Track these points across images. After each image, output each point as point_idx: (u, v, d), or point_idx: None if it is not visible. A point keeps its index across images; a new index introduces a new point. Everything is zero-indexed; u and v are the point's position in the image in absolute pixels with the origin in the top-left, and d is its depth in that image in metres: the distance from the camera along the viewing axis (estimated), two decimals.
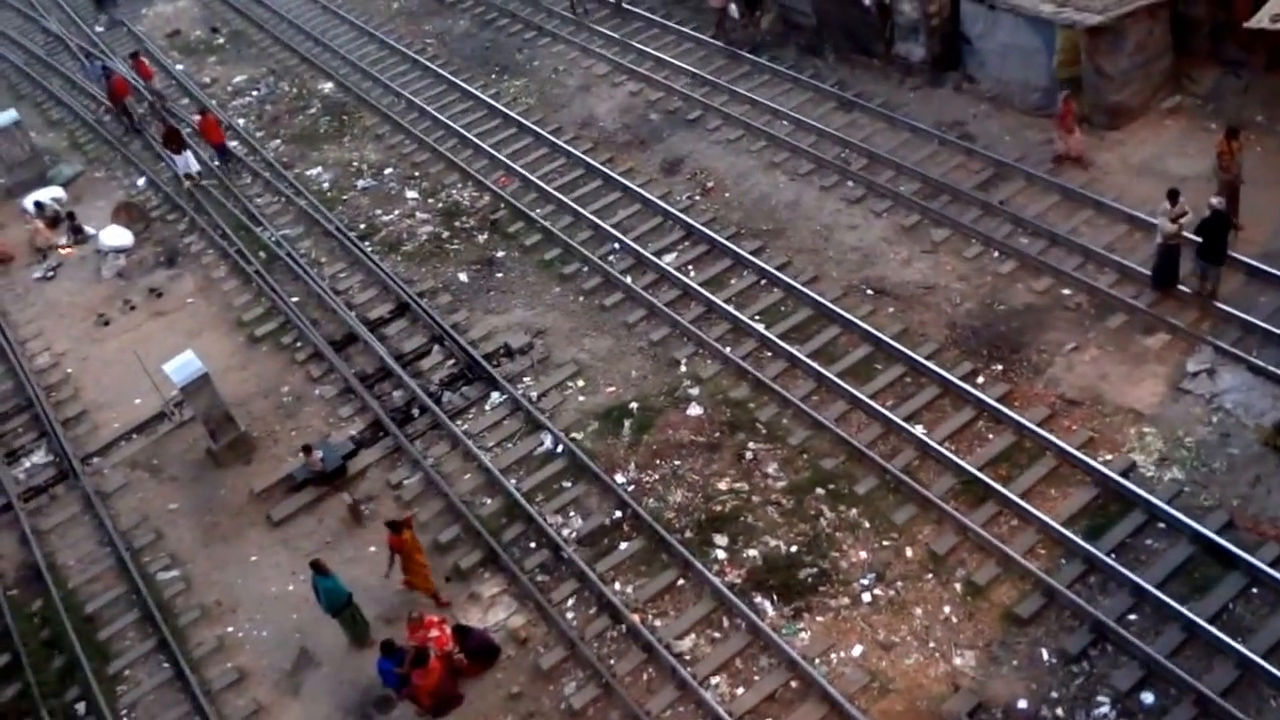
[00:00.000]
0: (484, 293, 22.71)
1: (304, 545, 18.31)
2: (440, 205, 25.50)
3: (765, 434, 18.17)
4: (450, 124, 27.76)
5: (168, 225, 26.91)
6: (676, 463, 18.10)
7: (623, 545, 17.08)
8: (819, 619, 15.50)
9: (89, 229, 27.00)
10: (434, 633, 15.47)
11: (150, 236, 26.58)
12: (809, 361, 18.90)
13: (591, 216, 23.48)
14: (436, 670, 14.92)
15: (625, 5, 30.49)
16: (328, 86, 31.15)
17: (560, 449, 18.81)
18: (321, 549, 18.04)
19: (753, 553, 16.50)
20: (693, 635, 15.67)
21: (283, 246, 24.94)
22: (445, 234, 24.58)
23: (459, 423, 19.75)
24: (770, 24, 27.81)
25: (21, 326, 24.76)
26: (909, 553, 15.98)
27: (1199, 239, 17.58)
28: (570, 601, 16.52)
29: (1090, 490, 16.03)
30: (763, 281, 21.05)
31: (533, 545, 17.47)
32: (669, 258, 22.06)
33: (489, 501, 18.34)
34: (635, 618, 15.89)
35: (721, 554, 16.60)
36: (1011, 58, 22.99)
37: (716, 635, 15.63)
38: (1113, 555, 15.08)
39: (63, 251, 26.79)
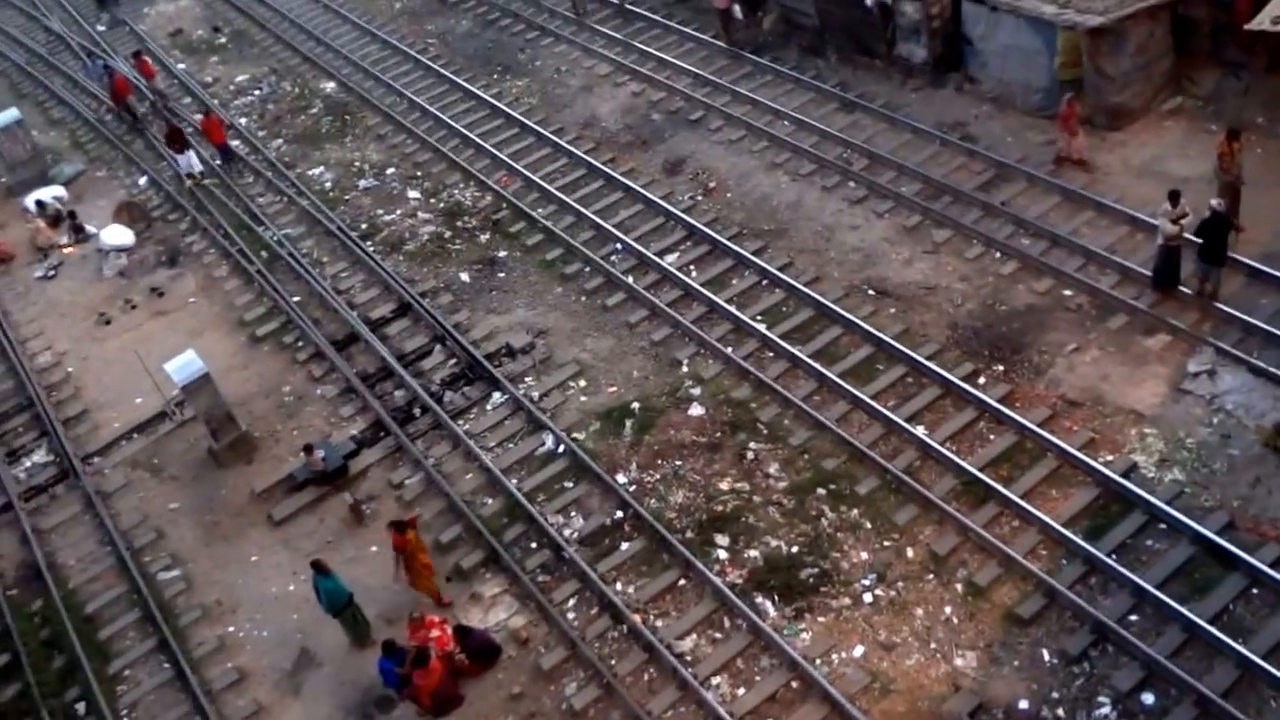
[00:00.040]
0: (486, 292, 22.72)
1: (305, 545, 18.31)
2: (442, 205, 25.51)
3: (767, 434, 18.18)
4: (452, 124, 27.77)
5: (169, 224, 26.93)
6: (678, 463, 18.11)
7: (624, 545, 17.09)
8: (820, 619, 15.51)
9: (90, 228, 27.01)
10: (435, 633, 15.47)
11: (151, 236, 26.59)
12: (810, 362, 18.91)
13: (593, 217, 23.50)
14: (437, 670, 14.92)
15: (627, 5, 30.49)
16: (330, 86, 31.17)
17: (562, 449, 18.81)
18: (322, 549, 18.04)
19: (754, 553, 16.50)
20: (694, 635, 15.67)
21: (284, 246, 24.95)
22: (447, 234, 24.60)
23: (460, 423, 19.75)
24: (772, 25, 27.80)
25: (22, 325, 24.78)
26: (910, 553, 15.99)
27: (1200, 240, 17.59)
28: (571, 602, 16.52)
29: (1091, 491, 16.03)
30: (764, 282, 21.06)
31: (534, 545, 17.47)
32: (671, 258, 22.07)
33: (490, 501, 18.35)
34: (636, 618, 15.89)
35: (723, 554, 16.60)
36: (1013, 59, 23.00)
37: (718, 635, 15.63)
38: (1113, 556, 15.09)
39: (64, 250, 26.81)
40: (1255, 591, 14.42)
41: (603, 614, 16.23)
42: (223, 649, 17.18)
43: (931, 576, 15.64)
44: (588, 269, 22.44)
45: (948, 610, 15.21)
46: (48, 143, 31.14)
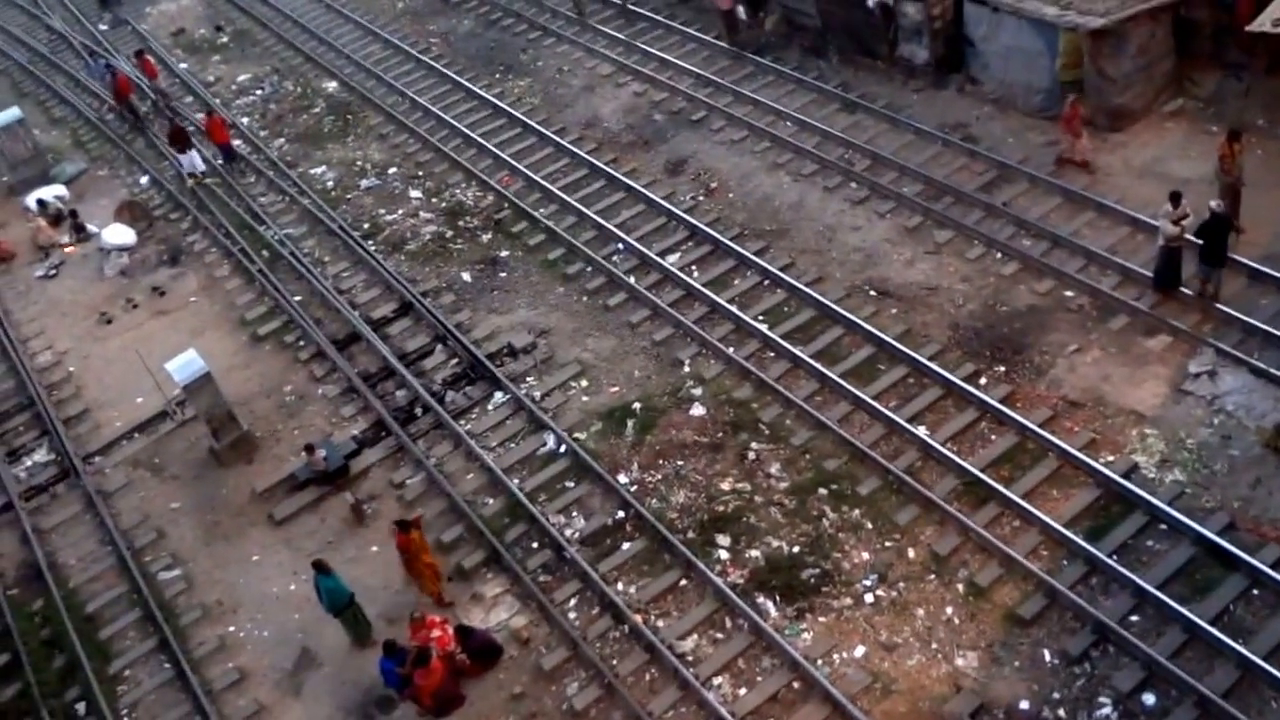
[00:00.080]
0: (487, 292, 22.73)
1: (306, 545, 18.32)
2: (444, 205, 25.51)
3: (768, 434, 18.18)
4: (454, 124, 27.78)
5: (170, 223, 26.94)
6: (679, 463, 18.11)
7: (625, 545, 17.09)
8: (821, 620, 15.51)
9: (91, 227, 27.02)
10: (436, 633, 15.47)
11: (153, 235, 26.59)
12: (812, 362, 18.92)
13: (595, 217, 23.50)
14: (438, 670, 14.92)
15: (629, 6, 30.49)
16: (332, 86, 31.18)
17: (563, 449, 18.82)
18: (323, 548, 18.05)
19: (755, 553, 16.51)
20: (695, 636, 15.67)
21: (286, 245, 24.95)
22: (449, 234, 24.60)
23: (462, 422, 19.75)
24: (774, 25, 27.80)
25: (23, 325, 24.78)
26: (911, 553, 16.00)
27: (1200, 241, 17.60)
28: (573, 602, 16.53)
29: (1092, 491, 16.04)
30: (766, 282, 21.07)
31: (535, 545, 17.48)
32: (672, 258, 22.07)
33: (491, 501, 18.35)
34: (638, 618, 15.89)
35: (724, 554, 16.61)
36: (1014, 60, 23.01)
37: (719, 636, 15.64)
38: (1114, 556, 15.10)
39: (65, 250, 26.81)
40: (1256, 592, 14.43)
41: (604, 614, 16.23)
42: (223, 649, 17.18)
43: (933, 577, 15.64)
44: (589, 269, 22.45)
45: (949, 611, 15.22)
46: (49, 142, 31.15)
